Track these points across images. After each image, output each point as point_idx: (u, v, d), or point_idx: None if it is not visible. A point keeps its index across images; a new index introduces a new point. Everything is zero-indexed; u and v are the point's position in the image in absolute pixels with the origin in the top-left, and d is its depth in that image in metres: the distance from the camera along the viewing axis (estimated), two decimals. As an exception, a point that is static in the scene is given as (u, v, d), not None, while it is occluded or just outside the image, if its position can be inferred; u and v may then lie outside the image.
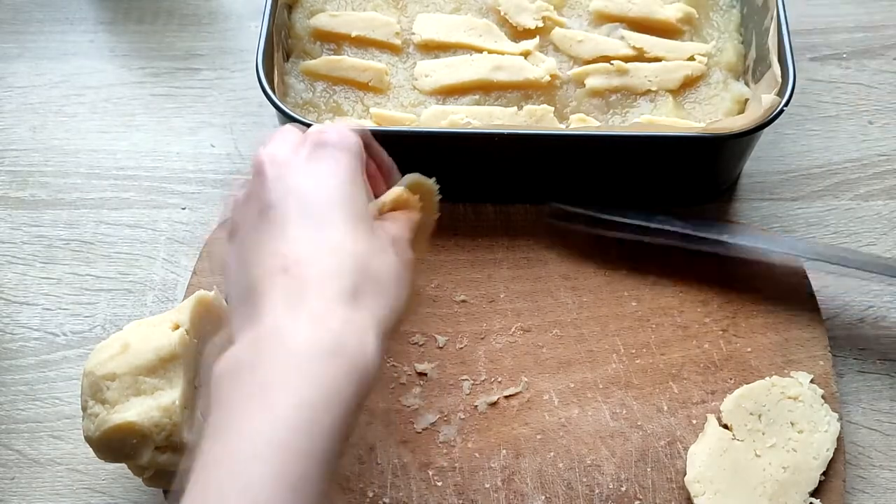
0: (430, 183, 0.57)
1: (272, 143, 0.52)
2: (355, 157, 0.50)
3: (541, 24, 0.76)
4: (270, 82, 0.69)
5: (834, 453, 0.61)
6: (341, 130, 0.51)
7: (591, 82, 0.74)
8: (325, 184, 0.48)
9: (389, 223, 0.52)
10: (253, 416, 0.41)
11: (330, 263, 0.45)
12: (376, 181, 0.56)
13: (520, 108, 0.73)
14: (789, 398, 0.62)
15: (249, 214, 0.49)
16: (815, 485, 0.60)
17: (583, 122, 0.72)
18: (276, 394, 0.41)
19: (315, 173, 0.49)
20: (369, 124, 0.71)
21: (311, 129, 0.53)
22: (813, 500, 0.59)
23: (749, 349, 0.66)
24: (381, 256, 0.48)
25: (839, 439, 0.61)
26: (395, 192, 0.54)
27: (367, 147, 0.54)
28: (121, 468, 0.60)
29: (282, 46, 0.74)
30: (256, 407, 0.41)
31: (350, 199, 0.48)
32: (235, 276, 0.49)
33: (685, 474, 0.61)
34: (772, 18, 0.71)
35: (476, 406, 0.64)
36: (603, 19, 0.78)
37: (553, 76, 0.74)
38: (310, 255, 0.46)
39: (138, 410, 0.54)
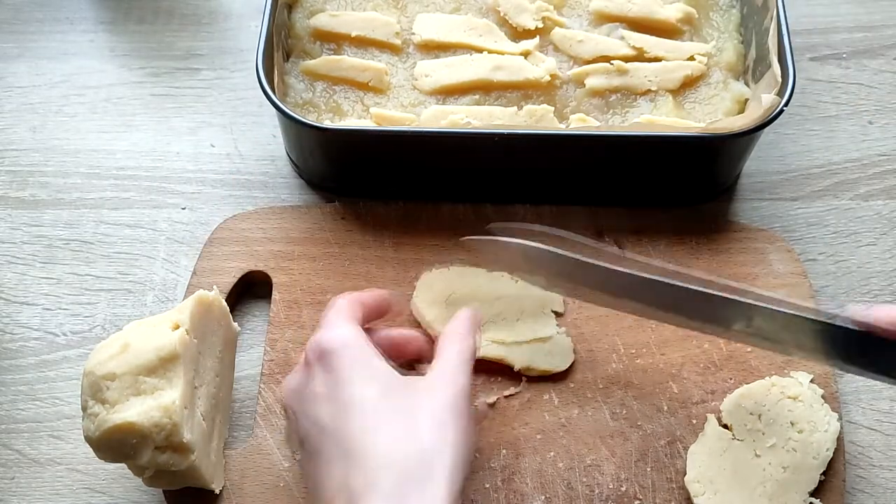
0: None
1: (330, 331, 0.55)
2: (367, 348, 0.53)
3: (541, 25, 0.76)
4: (270, 82, 0.69)
5: (834, 453, 0.61)
6: (331, 332, 0.54)
7: (591, 82, 0.74)
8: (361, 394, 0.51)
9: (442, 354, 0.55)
10: None
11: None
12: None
13: (520, 108, 0.73)
14: (789, 398, 0.62)
15: (318, 411, 0.52)
16: (815, 484, 0.60)
17: (583, 122, 0.72)
18: None
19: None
20: (369, 124, 0.71)
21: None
22: (813, 499, 0.59)
23: (749, 349, 0.66)
24: (464, 439, 0.50)
25: (839, 439, 0.61)
26: None
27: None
28: (121, 468, 0.60)
29: (282, 46, 0.74)
30: None
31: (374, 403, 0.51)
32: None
33: (685, 474, 0.61)
34: (772, 18, 0.71)
35: (476, 406, 0.64)
36: (603, 19, 0.78)
37: (553, 76, 0.74)
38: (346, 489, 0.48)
39: (138, 410, 0.54)
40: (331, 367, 0.52)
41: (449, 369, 0.54)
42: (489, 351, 0.65)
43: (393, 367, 0.53)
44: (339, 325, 0.55)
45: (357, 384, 0.51)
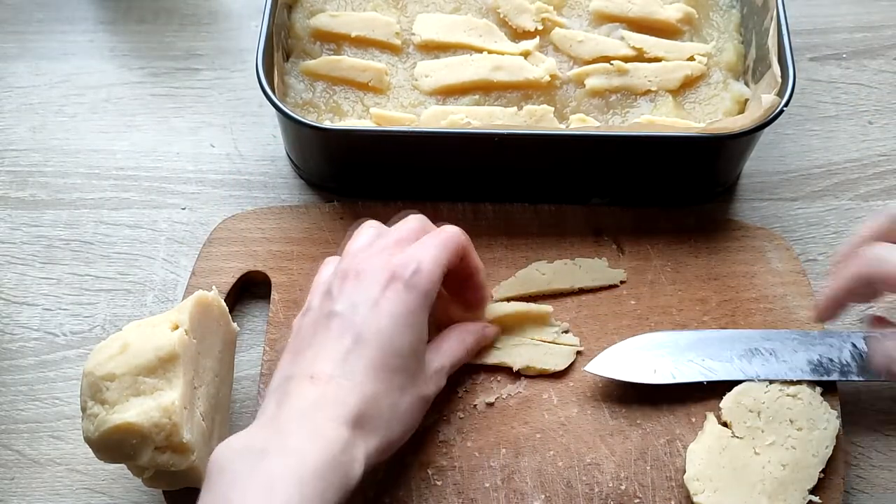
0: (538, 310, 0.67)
1: (362, 253, 0.59)
2: (423, 297, 0.57)
3: (540, 27, 0.77)
4: (270, 82, 0.69)
5: (833, 451, 0.61)
6: (426, 260, 0.58)
7: (591, 82, 0.74)
8: (379, 324, 0.55)
9: (441, 353, 0.61)
10: None
11: (347, 391, 0.53)
12: (468, 284, 0.64)
13: (520, 108, 0.73)
14: (788, 396, 0.62)
15: (318, 311, 0.57)
16: (815, 482, 0.60)
17: (583, 122, 0.72)
18: (269, 496, 0.47)
19: (378, 310, 0.56)
20: (369, 124, 0.71)
21: (400, 242, 0.60)
22: (812, 497, 0.59)
23: (749, 348, 0.66)
24: (393, 397, 0.55)
25: (838, 437, 0.61)
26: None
27: (464, 257, 0.61)
28: (121, 468, 0.60)
29: (282, 46, 0.74)
30: (258, 492, 0.48)
31: (395, 341, 0.55)
32: (280, 363, 0.57)
33: (685, 472, 0.60)
34: (772, 18, 0.71)
35: (475, 405, 0.64)
36: (603, 19, 0.78)
37: (553, 76, 0.74)
38: (336, 377, 0.53)
39: (138, 411, 0.54)
40: (392, 295, 0.56)
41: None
42: (488, 357, 0.65)
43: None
44: (431, 273, 0.57)
45: (389, 333, 0.55)
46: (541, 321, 0.67)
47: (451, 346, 0.62)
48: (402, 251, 0.59)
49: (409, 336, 0.56)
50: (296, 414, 0.52)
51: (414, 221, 0.62)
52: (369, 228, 0.62)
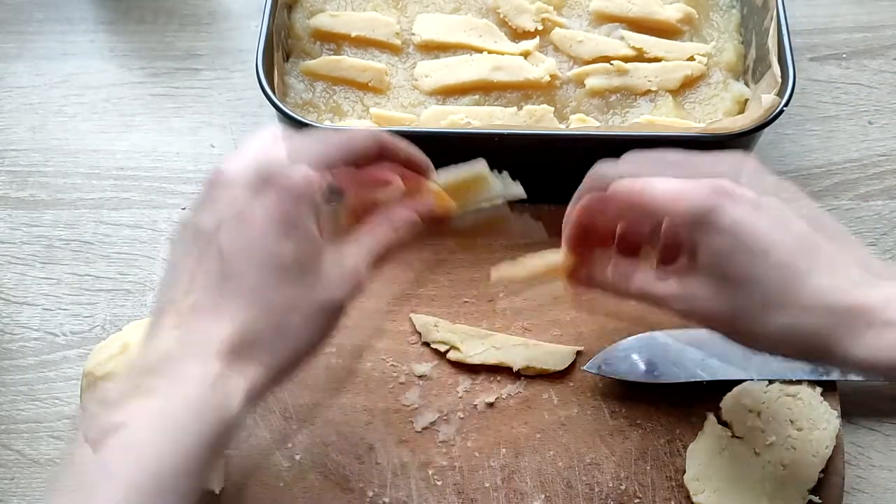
0: (481, 173, 0.60)
1: (237, 158, 0.51)
2: (300, 197, 0.49)
3: (540, 27, 0.76)
4: (270, 82, 0.69)
5: (833, 451, 0.61)
6: (301, 156, 0.50)
7: (591, 82, 0.74)
8: (247, 239, 0.48)
9: (358, 246, 0.52)
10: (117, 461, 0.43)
11: (214, 323, 0.47)
12: (409, 179, 0.57)
13: (520, 108, 0.73)
14: (788, 396, 0.62)
15: (187, 229, 0.50)
16: (815, 482, 0.60)
17: (583, 122, 0.72)
18: (138, 435, 0.44)
19: (245, 223, 0.48)
20: (369, 124, 0.71)
21: (277, 148, 0.51)
22: (812, 497, 0.59)
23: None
24: (277, 316, 0.48)
25: (838, 437, 0.61)
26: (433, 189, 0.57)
27: (389, 151, 0.55)
28: (121, 468, 0.60)
29: (282, 46, 0.75)
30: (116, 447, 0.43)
31: (269, 256, 0.48)
32: (156, 292, 0.51)
33: (685, 472, 0.61)
34: (772, 18, 0.71)
35: (475, 405, 0.64)
36: (603, 19, 0.78)
37: (553, 76, 0.74)
38: (202, 310, 0.47)
39: (138, 410, 0.53)
40: (263, 199, 0.48)
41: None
42: (488, 356, 0.65)
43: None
44: (300, 172, 0.50)
45: (262, 242, 0.48)
46: (481, 183, 0.62)
47: (375, 234, 0.54)
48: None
49: (290, 245, 0.48)
50: (159, 356, 0.46)
51: (276, 127, 0.54)
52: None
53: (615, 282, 0.56)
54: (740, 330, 0.51)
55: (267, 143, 0.51)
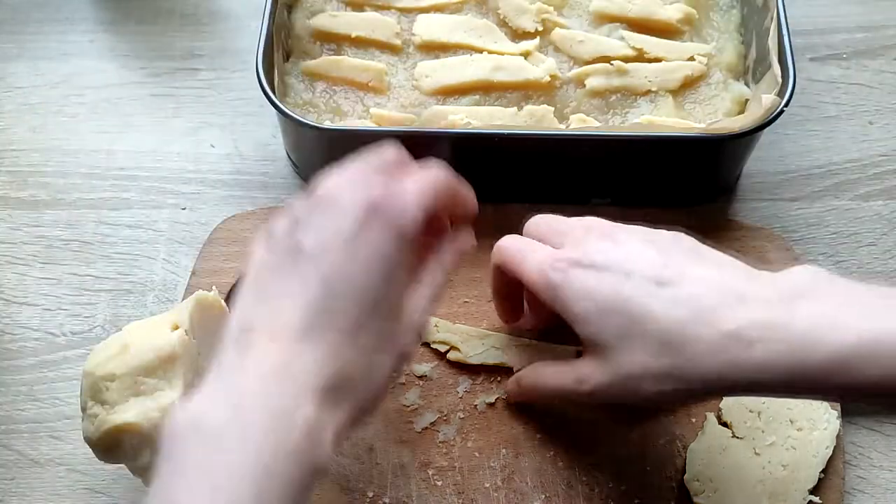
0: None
1: (337, 180, 0.50)
2: (406, 241, 0.49)
3: (540, 28, 0.76)
4: (270, 82, 0.69)
5: (833, 451, 0.61)
6: (413, 197, 0.49)
7: (591, 83, 0.74)
8: (353, 273, 0.47)
9: (420, 294, 0.52)
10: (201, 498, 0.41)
11: (314, 357, 0.45)
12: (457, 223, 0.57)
13: (520, 108, 0.73)
14: (789, 396, 0.63)
15: (284, 242, 0.48)
16: (815, 482, 0.60)
17: (583, 123, 0.72)
18: (229, 482, 0.41)
19: (354, 255, 0.47)
20: (369, 124, 0.71)
21: (379, 173, 0.50)
22: (812, 497, 0.59)
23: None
24: (367, 360, 0.48)
25: (838, 437, 0.61)
26: None
27: (452, 196, 0.54)
28: (121, 468, 0.59)
29: (282, 46, 0.74)
30: (206, 489, 0.41)
31: (371, 295, 0.47)
32: (241, 303, 0.48)
33: (684, 472, 0.61)
34: (772, 18, 0.71)
35: (475, 405, 0.64)
36: (603, 20, 0.78)
37: (553, 76, 0.74)
38: (302, 339, 0.46)
39: (138, 411, 0.54)
40: (370, 235, 0.47)
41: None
42: (489, 357, 0.65)
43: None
44: (411, 208, 0.49)
45: (364, 283, 0.47)
46: None
47: (433, 280, 0.54)
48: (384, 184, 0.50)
49: (387, 288, 0.48)
50: (256, 381, 0.44)
51: (391, 152, 0.53)
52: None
53: (531, 385, 0.60)
54: (630, 391, 0.52)
55: (380, 168, 0.51)
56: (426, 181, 0.51)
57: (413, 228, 0.49)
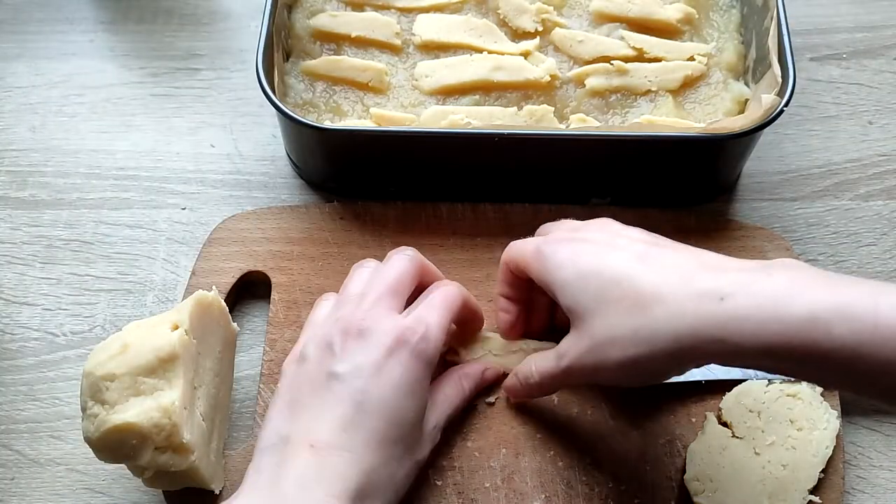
0: None
1: (376, 304, 0.57)
2: (428, 365, 0.56)
3: (540, 28, 0.76)
4: (270, 82, 0.69)
5: (833, 451, 0.61)
6: (433, 325, 0.57)
7: (591, 82, 0.74)
8: (382, 393, 0.54)
9: (436, 409, 0.59)
10: None
11: (348, 465, 0.52)
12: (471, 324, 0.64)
13: (520, 108, 0.73)
14: (788, 396, 0.62)
15: (319, 367, 0.56)
16: (815, 482, 0.60)
17: (583, 122, 0.72)
18: None
19: (382, 378, 0.54)
20: (369, 124, 0.71)
21: (397, 290, 0.59)
22: (812, 497, 0.59)
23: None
24: (392, 467, 0.54)
25: (838, 437, 0.61)
26: None
27: (465, 312, 0.61)
28: (121, 468, 0.60)
29: (282, 46, 0.74)
30: None
31: (397, 412, 0.54)
32: (276, 415, 0.55)
33: (684, 472, 0.60)
34: (772, 18, 0.71)
35: (475, 405, 0.64)
36: (603, 19, 0.78)
37: (553, 76, 0.74)
38: (336, 449, 0.52)
39: (138, 411, 0.54)
40: (398, 360, 0.55)
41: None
42: (487, 361, 0.65)
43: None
44: (435, 335, 0.57)
45: (393, 404, 0.54)
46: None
47: (448, 397, 0.61)
48: (404, 308, 0.58)
49: (411, 405, 0.55)
50: (294, 487, 0.51)
51: (407, 263, 0.60)
52: (364, 270, 0.61)
53: (526, 375, 0.61)
54: (599, 361, 0.53)
55: (401, 286, 0.59)
56: (444, 305, 0.58)
57: (435, 354, 0.56)
